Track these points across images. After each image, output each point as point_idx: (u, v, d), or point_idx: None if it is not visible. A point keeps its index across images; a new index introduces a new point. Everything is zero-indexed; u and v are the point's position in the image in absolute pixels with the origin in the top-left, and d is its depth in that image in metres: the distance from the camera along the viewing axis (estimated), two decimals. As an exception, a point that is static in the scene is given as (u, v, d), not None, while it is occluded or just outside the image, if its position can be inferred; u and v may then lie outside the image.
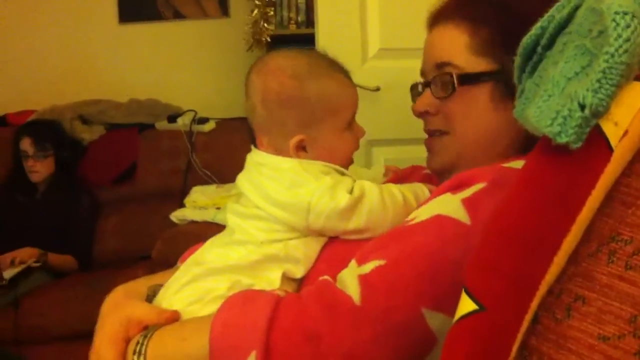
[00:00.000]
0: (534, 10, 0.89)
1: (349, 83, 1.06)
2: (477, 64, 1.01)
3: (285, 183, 0.97)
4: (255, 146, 1.06)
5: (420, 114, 1.10)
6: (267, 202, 0.97)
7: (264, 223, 0.98)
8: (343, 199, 0.94)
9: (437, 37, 1.07)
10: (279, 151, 1.02)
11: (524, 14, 0.91)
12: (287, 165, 1.00)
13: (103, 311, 1.00)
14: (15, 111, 3.45)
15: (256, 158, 1.04)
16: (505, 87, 0.99)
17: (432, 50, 1.07)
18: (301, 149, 1.02)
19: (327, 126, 1.03)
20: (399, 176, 1.31)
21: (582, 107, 0.53)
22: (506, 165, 0.92)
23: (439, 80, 1.04)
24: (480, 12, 1.02)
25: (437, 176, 1.11)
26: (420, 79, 1.14)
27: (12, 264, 2.66)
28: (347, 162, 1.07)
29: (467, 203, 0.87)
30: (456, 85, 1.01)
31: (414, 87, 1.19)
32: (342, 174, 1.01)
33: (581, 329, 0.53)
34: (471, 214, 0.85)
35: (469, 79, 1.01)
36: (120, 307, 0.96)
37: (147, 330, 0.91)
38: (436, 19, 1.08)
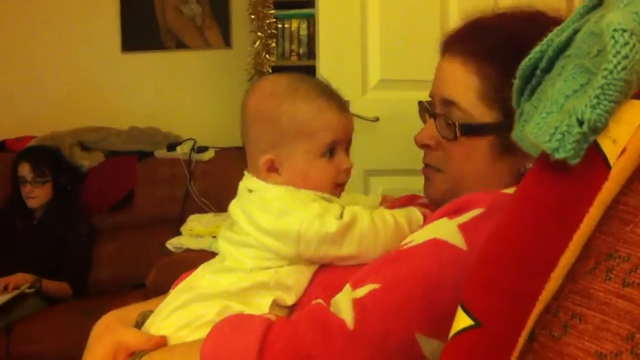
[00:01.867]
0: None
1: (332, 109, 1.03)
2: (482, 113, 1.00)
3: (273, 212, 0.97)
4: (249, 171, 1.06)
5: (421, 146, 1.09)
6: (256, 229, 0.97)
7: (254, 251, 0.98)
8: (332, 225, 0.93)
9: (447, 70, 1.05)
10: (255, 170, 1.03)
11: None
12: (275, 193, 0.99)
13: (92, 336, 0.99)
14: (15, 137, 3.45)
15: (247, 184, 1.04)
16: (507, 140, 0.94)
17: (441, 82, 1.06)
18: (273, 170, 1.02)
19: (299, 149, 1.01)
20: (395, 205, 1.30)
21: (581, 122, 0.53)
22: (505, 191, 0.92)
23: (444, 121, 1.03)
24: (490, 51, 1.00)
25: (434, 205, 1.11)
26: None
27: (6, 289, 2.64)
28: (326, 190, 1.03)
29: (464, 228, 0.87)
30: (458, 134, 1.00)
31: (420, 105, 1.16)
32: (330, 201, 1.00)
33: (578, 346, 0.53)
34: (468, 239, 0.85)
35: (471, 130, 1.00)
36: (109, 333, 0.96)
37: (134, 356, 0.90)
38: (449, 46, 1.06)
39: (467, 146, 1.01)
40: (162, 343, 0.91)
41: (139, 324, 1.00)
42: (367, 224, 0.96)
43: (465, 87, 1.01)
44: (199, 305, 0.94)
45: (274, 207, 0.97)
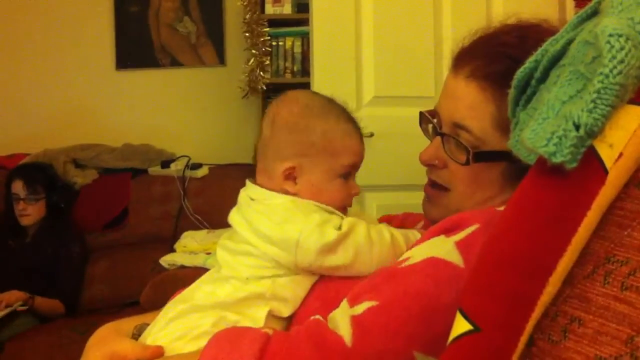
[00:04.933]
0: None
1: (357, 136, 1.06)
2: (496, 141, 0.96)
3: (275, 219, 0.96)
4: (252, 180, 1.06)
5: (425, 165, 1.07)
6: (256, 236, 0.97)
7: (252, 259, 0.97)
8: (331, 235, 0.93)
9: (461, 92, 0.99)
10: (270, 177, 1.02)
11: None
12: (279, 201, 0.99)
13: (88, 346, 0.98)
14: (8, 154, 3.44)
15: (249, 193, 1.04)
16: (518, 168, 0.86)
17: (453, 102, 1.01)
18: (291, 178, 1.02)
19: (322, 163, 1.02)
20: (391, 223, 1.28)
21: (577, 126, 0.54)
22: (499, 208, 0.91)
23: (453, 142, 1.00)
24: (509, 79, 0.89)
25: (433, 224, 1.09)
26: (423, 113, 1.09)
27: (-2, 307, 2.63)
28: (336, 208, 1.03)
29: (461, 245, 0.86)
30: (471, 160, 0.97)
31: (422, 115, 1.11)
32: (332, 213, 1.00)
33: (577, 350, 0.53)
34: (465, 256, 0.85)
35: (485, 156, 0.97)
36: (105, 343, 0.95)
37: None
38: (464, 64, 1.01)
39: (477, 171, 0.99)
40: (158, 353, 0.91)
41: (135, 336, 0.99)
42: (363, 234, 0.96)
43: (481, 113, 0.97)
44: (195, 316, 0.94)
45: (276, 214, 0.97)
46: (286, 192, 1.01)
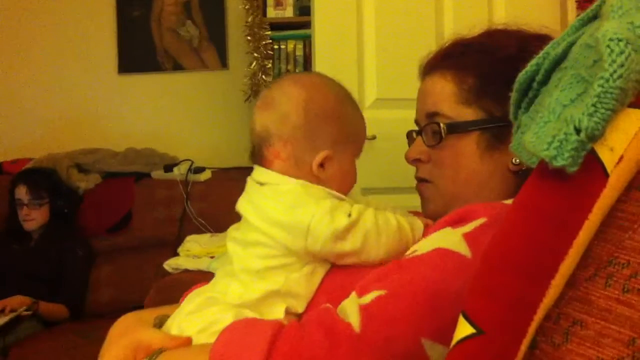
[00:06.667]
0: (517, 55, 0.94)
1: (364, 119, 1.11)
2: (463, 114, 1.04)
3: (285, 203, 0.98)
4: (259, 163, 1.06)
5: (412, 161, 1.13)
6: (265, 221, 0.98)
7: (261, 249, 0.98)
8: (342, 221, 0.95)
9: (427, 88, 1.10)
10: (298, 164, 1.03)
11: (507, 59, 1.00)
12: (289, 186, 1.01)
13: (111, 335, 1.00)
14: (12, 159, 3.46)
15: (258, 177, 1.04)
16: (491, 135, 1.02)
17: (423, 101, 1.11)
18: (320, 166, 1.03)
19: (350, 150, 1.07)
20: None
21: (578, 130, 0.54)
22: (506, 202, 0.93)
23: (429, 129, 1.07)
24: (465, 60, 1.07)
25: (433, 221, 1.12)
26: (415, 127, 1.17)
27: (3, 312, 2.63)
28: (347, 192, 1.07)
29: (468, 237, 0.88)
30: (444, 134, 1.04)
31: (409, 135, 1.21)
32: (341, 199, 1.02)
33: (580, 352, 0.53)
34: (472, 248, 0.86)
35: (456, 128, 1.04)
36: (129, 332, 0.96)
37: (152, 354, 0.90)
38: (427, 70, 1.13)
39: (454, 148, 1.05)
40: (186, 344, 0.92)
41: (156, 327, 1.00)
42: (372, 221, 0.97)
43: (444, 95, 1.06)
44: (214, 309, 0.95)
45: (286, 199, 0.98)
46: (316, 179, 1.03)
